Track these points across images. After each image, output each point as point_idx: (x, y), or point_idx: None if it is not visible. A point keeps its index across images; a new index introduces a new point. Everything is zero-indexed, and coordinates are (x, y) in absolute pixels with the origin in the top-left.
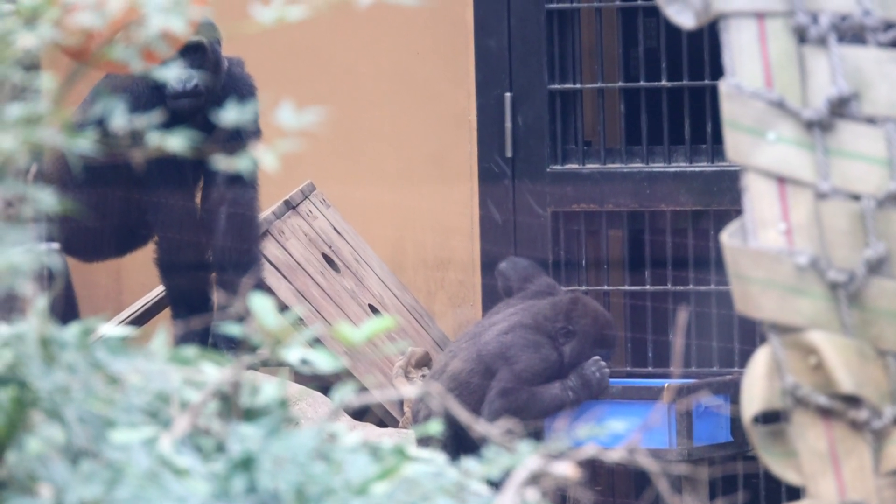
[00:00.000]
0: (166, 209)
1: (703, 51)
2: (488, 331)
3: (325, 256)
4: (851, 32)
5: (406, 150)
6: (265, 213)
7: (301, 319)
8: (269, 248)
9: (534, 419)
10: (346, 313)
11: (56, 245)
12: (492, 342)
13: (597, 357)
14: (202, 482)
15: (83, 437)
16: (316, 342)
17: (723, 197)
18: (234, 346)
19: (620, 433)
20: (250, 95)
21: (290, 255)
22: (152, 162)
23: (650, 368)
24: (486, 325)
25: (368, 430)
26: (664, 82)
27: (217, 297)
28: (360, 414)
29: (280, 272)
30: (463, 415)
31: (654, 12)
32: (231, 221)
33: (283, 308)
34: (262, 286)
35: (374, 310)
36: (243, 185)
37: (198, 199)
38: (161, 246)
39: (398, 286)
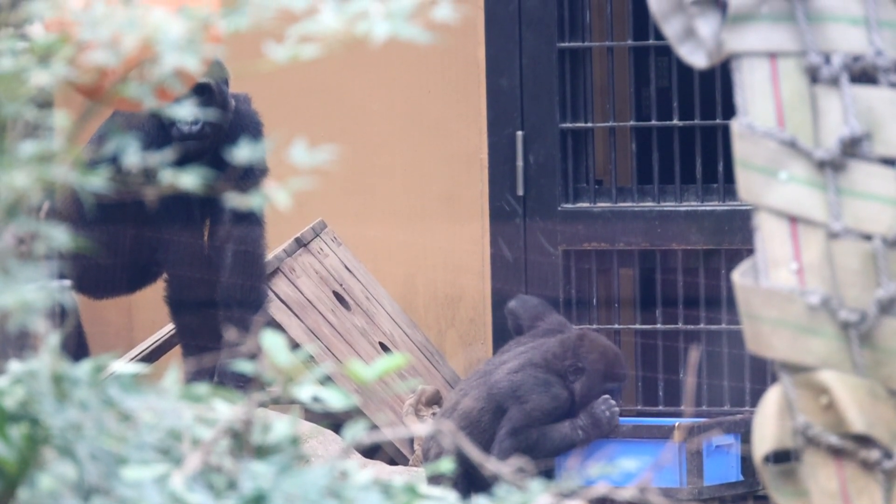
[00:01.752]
0: (175, 247)
1: (714, 90)
2: (499, 369)
3: (336, 294)
4: (864, 73)
5: (417, 188)
6: (276, 250)
7: (312, 357)
8: (280, 285)
9: (544, 458)
10: (357, 351)
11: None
12: (502, 381)
13: (606, 396)
14: None
15: (95, 475)
16: (327, 380)
17: (734, 236)
18: (242, 383)
19: (632, 472)
20: (257, 133)
21: (301, 292)
22: (161, 200)
23: (661, 407)
24: (497, 363)
25: (379, 468)
26: (676, 121)
27: (225, 334)
28: (371, 452)
29: (291, 310)
30: (474, 453)
31: (666, 51)
32: (237, 259)
33: (294, 346)
34: (269, 323)
35: (384, 348)
36: (250, 222)
37: (206, 237)
38: (171, 283)
39: (409, 324)
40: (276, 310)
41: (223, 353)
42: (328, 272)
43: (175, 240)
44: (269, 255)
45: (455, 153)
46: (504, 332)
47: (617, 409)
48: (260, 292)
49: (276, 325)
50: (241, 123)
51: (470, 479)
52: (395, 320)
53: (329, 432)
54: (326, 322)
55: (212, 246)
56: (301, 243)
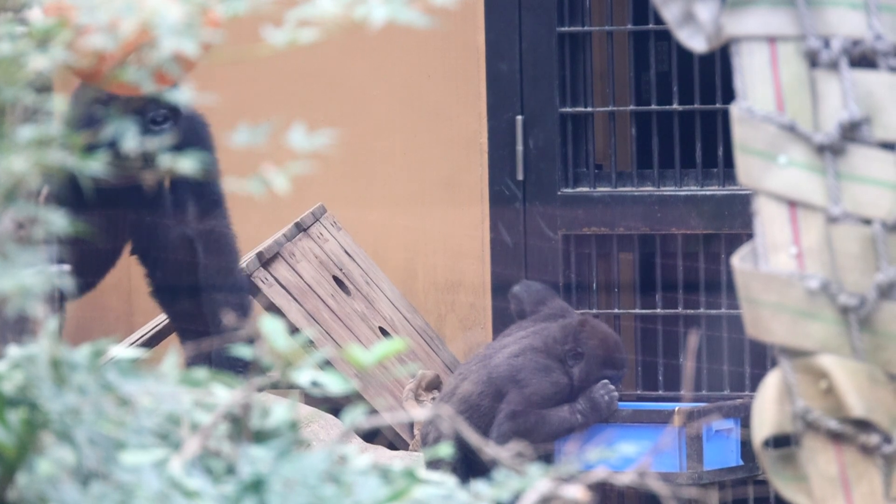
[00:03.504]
0: (151, 234)
1: (714, 74)
2: (499, 353)
3: (336, 279)
4: (863, 57)
5: (417, 173)
6: (276, 235)
7: (311, 342)
8: (280, 270)
9: (542, 442)
10: (357, 335)
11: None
12: (502, 365)
13: (605, 381)
14: None
15: (93, 459)
16: (327, 364)
17: (734, 221)
18: (240, 368)
19: (631, 456)
20: (204, 126)
21: (301, 277)
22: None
23: (661, 392)
24: (497, 347)
25: (379, 453)
26: (675, 106)
27: (212, 318)
28: (371, 436)
29: (290, 294)
30: (473, 437)
31: (665, 36)
32: (206, 244)
33: (293, 330)
34: (268, 307)
35: (384, 332)
36: (211, 206)
37: (174, 225)
38: (153, 274)
39: (409, 309)
40: (275, 294)
41: (216, 339)
42: (328, 257)
43: (151, 227)
44: (269, 240)
45: (455, 138)
46: (504, 317)
47: (616, 393)
48: (233, 274)
49: (275, 309)
50: (191, 122)
51: (469, 463)
52: (395, 305)
53: (330, 417)
54: (326, 307)
55: (180, 232)
56: (301, 228)
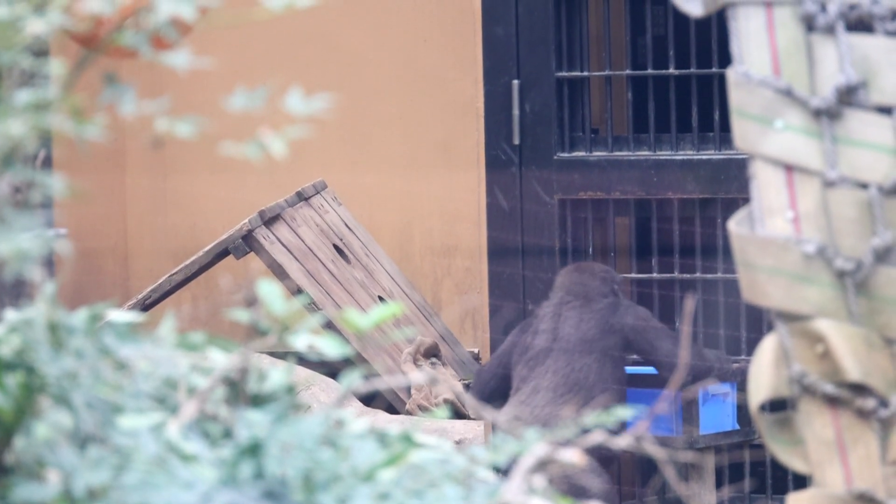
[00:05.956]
0: None
1: (710, 39)
2: (561, 338)
3: (337, 248)
4: (860, 21)
5: (413, 137)
6: (277, 200)
7: (313, 302)
8: (282, 230)
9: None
10: (357, 300)
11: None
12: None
13: None
14: (209, 468)
15: (91, 423)
16: (328, 326)
17: (730, 185)
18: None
19: (627, 420)
20: None
21: (302, 240)
22: None
23: None
24: (550, 339)
25: (379, 417)
26: (672, 70)
27: None
28: (370, 399)
29: (291, 253)
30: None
31: (662, 0)
32: None
33: (294, 288)
34: (270, 264)
35: (383, 301)
36: None
37: None
38: None
39: (407, 284)
40: (277, 251)
41: None
42: (329, 227)
43: None
44: (270, 203)
45: (451, 102)
46: (500, 281)
47: None
48: None
49: (276, 266)
50: None
51: None
52: (393, 279)
53: (330, 380)
54: (326, 270)
55: None
56: (302, 197)
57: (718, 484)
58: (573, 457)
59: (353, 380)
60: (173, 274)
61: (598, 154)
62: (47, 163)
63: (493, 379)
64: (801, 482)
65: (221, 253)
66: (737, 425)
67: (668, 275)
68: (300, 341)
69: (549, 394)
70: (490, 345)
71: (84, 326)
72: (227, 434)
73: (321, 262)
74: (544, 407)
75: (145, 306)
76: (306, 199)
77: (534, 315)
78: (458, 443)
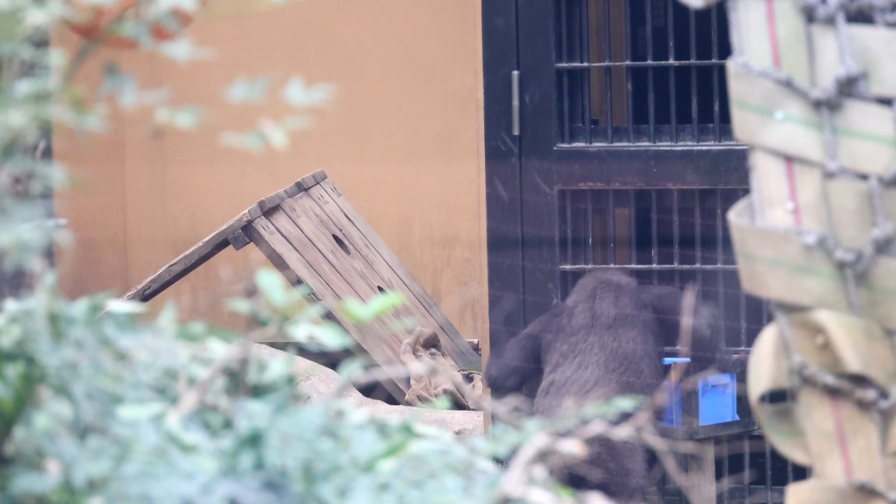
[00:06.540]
0: None
1: (711, 30)
2: (606, 332)
3: (336, 239)
4: (860, 12)
5: (413, 128)
6: (276, 191)
7: (312, 292)
8: (281, 221)
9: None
10: (356, 291)
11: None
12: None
13: None
14: (210, 459)
15: (91, 414)
16: (328, 317)
17: (730, 176)
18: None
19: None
20: None
21: (302, 231)
22: None
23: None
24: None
25: (378, 407)
26: (672, 61)
27: None
28: (369, 389)
29: (291, 244)
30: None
31: None
32: None
33: (294, 278)
34: (270, 255)
35: (382, 292)
36: None
37: None
38: None
39: (407, 275)
40: (276, 242)
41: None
42: (328, 217)
43: None
44: (269, 194)
45: (450, 93)
46: (500, 272)
47: None
48: None
49: (276, 256)
50: None
51: None
52: (393, 269)
53: (330, 370)
54: (326, 260)
55: None
56: (302, 187)
57: (718, 475)
58: (574, 448)
59: (353, 370)
60: (173, 264)
61: (598, 145)
62: (47, 153)
63: (515, 359)
64: (801, 473)
65: (221, 243)
66: (737, 416)
67: (668, 266)
68: (300, 332)
69: (598, 369)
70: (490, 335)
71: (84, 317)
72: (227, 425)
73: (321, 252)
74: (596, 382)
75: (145, 297)
76: (306, 190)
77: (561, 305)
78: (457, 433)
